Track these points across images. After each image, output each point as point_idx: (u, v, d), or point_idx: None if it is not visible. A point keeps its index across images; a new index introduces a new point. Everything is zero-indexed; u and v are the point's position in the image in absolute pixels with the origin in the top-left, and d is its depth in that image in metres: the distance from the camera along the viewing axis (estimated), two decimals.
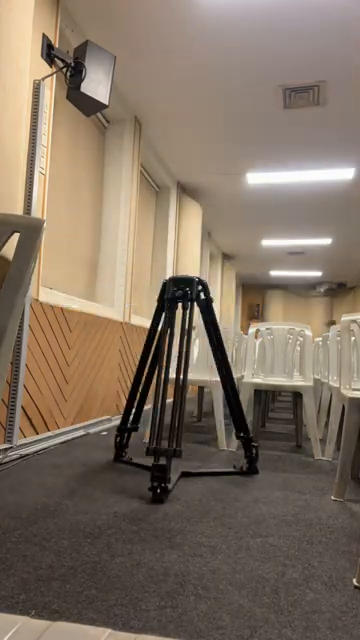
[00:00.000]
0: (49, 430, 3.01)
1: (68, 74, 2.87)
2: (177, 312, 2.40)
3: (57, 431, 3.09)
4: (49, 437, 2.95)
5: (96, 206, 4.33)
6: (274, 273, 11.50)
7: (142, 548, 1.45)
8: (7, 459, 2.45)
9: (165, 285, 2.42)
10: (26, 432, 2.75)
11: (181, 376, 2.17)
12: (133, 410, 2.57)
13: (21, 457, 2.53)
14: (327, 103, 4.05)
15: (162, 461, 1.96)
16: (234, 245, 9.19)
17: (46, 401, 2.99)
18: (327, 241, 8.32)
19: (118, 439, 2.54)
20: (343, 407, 2.52)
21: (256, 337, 3.46)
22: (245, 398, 3.05)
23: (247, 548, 1.50)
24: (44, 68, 2.79)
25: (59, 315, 3.13)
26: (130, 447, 2.59)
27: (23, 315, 2.66)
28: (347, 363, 2.33)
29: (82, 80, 2.77)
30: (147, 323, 4.72)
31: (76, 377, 3.40)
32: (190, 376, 3.35)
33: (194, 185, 6.17)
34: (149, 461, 2.02)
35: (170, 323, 2.32)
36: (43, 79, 2.71)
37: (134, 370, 4.50)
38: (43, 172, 2.80)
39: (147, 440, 2.75)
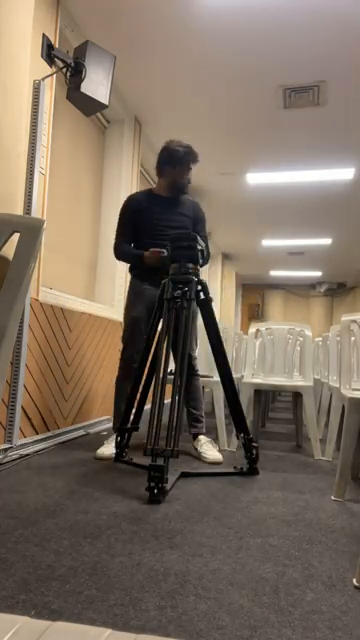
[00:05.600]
0: (49, 430, 3.01)
1: (68, 74, 2.87)
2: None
3: (57, 431, 3.09)
4: (49, 437, 2.95)
5: (96, 206, 4.34)
6: (274, 273, 11.49)
7: (142, 548, 1.45)
8: (7, 459, 2.45)
9: (164, 285, 2.42)
10: (26, 432, 2.75)
11: (179, 376, 2.17)
12: (133, 410, 2.57)
13: (21, 457, 2.53)
14: (327, 103, 4.04)
15: (159, 461, 1.96)
16: (234, 245, 9.18)
17: (46, 401, 2.99)
18: (327, 241, 8.31)
19: (118, 439, 2.54)
20: (343, 407, 2.52)
21: (256, 337, 3.46)
22: (245, 398, 3.05)
23: (247, 548, 1.50)
24: (44, 68, 2.78)
25: (59, 315, 3.13)
26: (130, 447, 2.59)
27: (23, 315, 2.66)
28: (347, 363, 2.33)
29: (82, 80, 2.77)
30: None
31: (76, 377, 3.40)
32: None
33: (194, 185, 6.15)
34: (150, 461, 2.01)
35: (169, 323, 2.32)
36: (43, 79, 2.71)
37: None
38: (43, 172, 2.80)
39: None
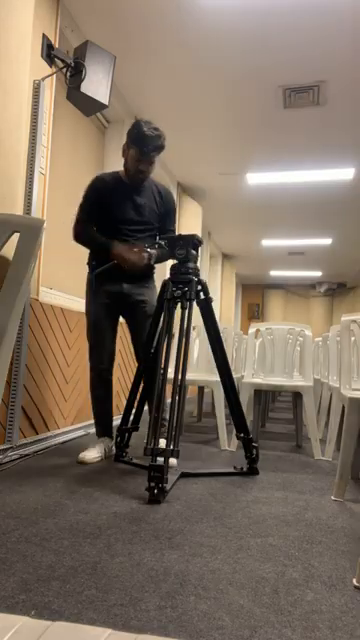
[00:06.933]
0: (49, 430, 3.01)
1: (68, 74, 2.87)
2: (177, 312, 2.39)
3: (57, 431, 3.09)
4: (49, 437, 2.95)
5: None
6: (274, 273, 11.50)
7: (142, 548, 1.45)
8: (7, 459, 2.45)
9: (164, 285, 2.42)
10: (26, 432, 2.75)
11: (180, 376, 2.17)
12: (133, 410, 2.56)
13: (21, 457, 2.53)
14: (327, 103, 4.05)
15: (159, 461, 1.96)
16: (234, 245, 9.19)
17: (46, 401, 2.99)
18: (327, 241, 8.32)
19: (118, 439, 2.54)
20: (343, 407, 2.52)
21: (256, 337, 3.46)
22: (245, 398, 3.05)
23: (247, 548, 1.50)
24: (44, 68, 2.79)
25: (59, 315, 3.13)
26: (130, 447, 2.58)
27: (23, 315, 2.66)
28: (347, 363, 2.33)
29: (82, 80, 2.77)
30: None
31: (76, 377, 3.40)
32: (191, 376, 3.35)
33: (194, 185, 6.17)
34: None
35: (169, 323, 2.31)
36: (43, 79, 2.71)
37: (134, 370, 4.49)
38: (43, 172, 2.80)
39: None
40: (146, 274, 2.68)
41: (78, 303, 3.57)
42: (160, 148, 2.51)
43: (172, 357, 2.26)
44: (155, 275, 2.78)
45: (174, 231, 2.73)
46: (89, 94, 2.81)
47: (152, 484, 1.91)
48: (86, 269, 2.77)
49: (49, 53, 2.81)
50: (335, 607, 1.16)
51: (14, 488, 2.01)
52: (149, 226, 2.62)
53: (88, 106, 2.93)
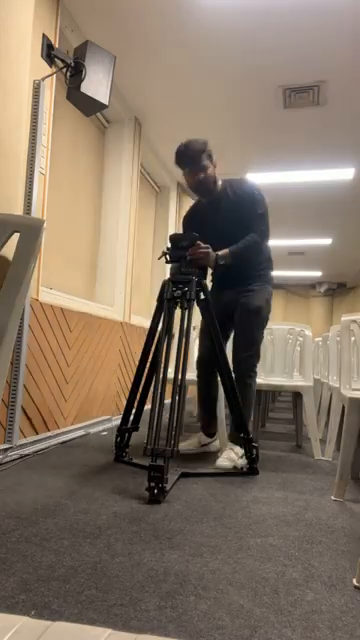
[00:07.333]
0: (49, 430, 3.01)
1: (68, 74, 2.87)
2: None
3: (57, 431, 3.09)
4: (49, 437, 2.95)
5: (96, 206, 4.33)
6: (274, 273, 11.47)
7: (142, 548, 1.45)
8: (7, 459, 2.45)
9: (164, 285, 2.42)
10: (26, 432, 2.75)
11: (180, 376, 2.17)
12: (133, 410, 2.56)
13: (21, 457, 2.53)
14: (327, 103, 4.04)
15: (159, 461, 1.96)
16: None
17: (46, 401, 2.99)
18: (327, 241, 8.31)
19: (118, 439, 2.54)
20: (343, 407, 2.52)
21: None
22: None
23: (247, 548, 1.50)
24: (44, 68, 2.78)
25: (59, 315, 3.13)
26: (130, 447, 2.58)
27: (23, 315, 2.66)
28: (347, 363, 2.33)
29: (82, 80, 2.77)
30: (147, 323, 4.72)
31: (76, 377, 3.40)
32: (191, 376, 3.35)
33: None
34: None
35: (169, 323, 2.31)
36: (43, 79, 2.71)
37: (134, 370, 4.50)
38: (43, 172, 2.80)
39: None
40: (243, 277, 2.90)
41: (78, 303, 3.57)
42: (180, 158, 2.85)
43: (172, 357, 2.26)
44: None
45: (259, 215, 2.75)
46: (89, 94, 2.81)
47: (152, 484, 1.91)
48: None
49: (49, 53, 2.81)
50: (335, 607, 1.16)
51: (14, 488, 2.01)
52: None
53: (88, 106, 2.93)
